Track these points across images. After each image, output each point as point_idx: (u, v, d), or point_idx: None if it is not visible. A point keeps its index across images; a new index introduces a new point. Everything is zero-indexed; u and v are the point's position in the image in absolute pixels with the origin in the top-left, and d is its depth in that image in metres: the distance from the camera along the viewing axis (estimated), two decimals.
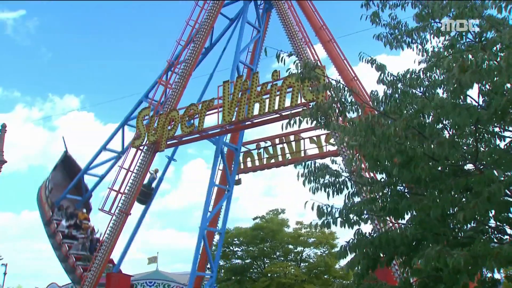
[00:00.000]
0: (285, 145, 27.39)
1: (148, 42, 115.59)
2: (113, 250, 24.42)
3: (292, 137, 27.02)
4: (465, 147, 6.28)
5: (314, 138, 26.42)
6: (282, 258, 29.07)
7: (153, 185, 27.12)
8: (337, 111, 6.53)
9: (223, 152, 26.30)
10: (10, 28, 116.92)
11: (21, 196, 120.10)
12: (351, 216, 6.30)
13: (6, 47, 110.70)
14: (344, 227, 6.31)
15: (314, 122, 6.68)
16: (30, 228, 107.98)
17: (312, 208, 6.38)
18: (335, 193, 6.75)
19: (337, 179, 6.83)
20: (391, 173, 6.28)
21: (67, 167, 30.12)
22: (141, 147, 25.27)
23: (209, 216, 25.13)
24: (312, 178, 6.85)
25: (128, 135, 29.16)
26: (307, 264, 29.38)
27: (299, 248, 29.60)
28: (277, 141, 27.49)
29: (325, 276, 29.23)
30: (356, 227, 6.48)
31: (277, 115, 21.53)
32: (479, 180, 5.27)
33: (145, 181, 26.40)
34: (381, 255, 6.49)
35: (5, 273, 38.61)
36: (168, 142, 24.34)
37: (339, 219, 6.35)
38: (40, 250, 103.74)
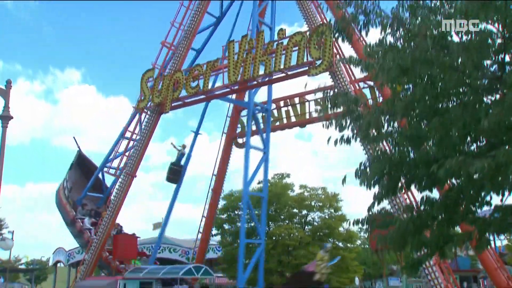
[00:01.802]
0: (289, 107, 27.26)
1: (149, 15, 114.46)
2: (119, 212, 24.58)
3: (297, 100, 26.87)
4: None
5: (319, 100, 26.24)
6: (287, 221, 29.20)
7: (182, 162, 26.66)
8: (361, 23, 6.39)
9: (255, 114, 24.81)
10: (10, 2, 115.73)
11: (25, 169, 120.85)
12: (371, 132, 6.19)
13: (7, 21, 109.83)
14: (365, 143, 6.22)
15: (337, 35, 6.59)
16: (34, 200, 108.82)
17: (331, 123, 6.31)
18: (355, 120, 6.67)
19: (355, 106, 6.76)
20: (418, 83, 6.13)
21: (82, 166, 29.22)
22: (146, 110, 25.20)
23: (249, 180, 23.42)
24: (330, 105, 6.75)
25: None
26: (311, 227, 29.52)
27: (303, 212, 29.71)
28: (281, 103, 27.34)
29: (330, 239, 29.39)
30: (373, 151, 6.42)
31: (283, 74, 21.37)
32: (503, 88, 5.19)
33: (174, 160, 26.25)
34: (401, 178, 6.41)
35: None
36: (173, 104, 24.22)
37: (359, 135, 6.26)
38: (45, 221, 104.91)
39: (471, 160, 5.17)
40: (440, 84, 5.53)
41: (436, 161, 5.86)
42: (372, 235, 8.49)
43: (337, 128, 6.39)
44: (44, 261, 60.94)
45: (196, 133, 27.27)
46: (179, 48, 25.65)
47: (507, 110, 4.94)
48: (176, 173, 25.90)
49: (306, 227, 29.57)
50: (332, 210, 29.10)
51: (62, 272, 50.44)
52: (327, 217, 29.09)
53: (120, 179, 24.81)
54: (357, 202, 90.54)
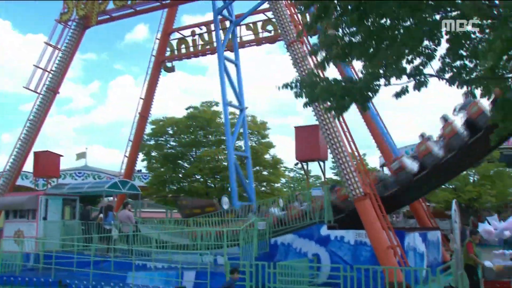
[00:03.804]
0: (220, 31, 26.97)
1: None
2: (40, 129, 23.62)
3: (227, 23, 26.62)
4: None
5: (251, 25, 26.24)
6: (215, 147, 29.43)
7: None
8: None
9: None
10: None
11: None
12: None
13: None
14: None
15: None
16: None
17: None
18: None
19: None
20: None
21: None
22: (69, 23, 23.96)
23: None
24: None
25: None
26: (239, 152, 29.96)
27: None
28: (212, 27, 26.99)
29: (257, 168, 30.06)
30: None
31: None
32: None
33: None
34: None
35: None
36: (99, 18, 23.21)
37: None
38: None
39: None
40: None
41: None
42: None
43: None
44: None
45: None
46: None
47: None
48: None
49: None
50: (260, 138, 29.62)
51: None
52: (254, 144, 29.59)
53: (41, 96, 23.65)
54: (285, 151, 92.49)
